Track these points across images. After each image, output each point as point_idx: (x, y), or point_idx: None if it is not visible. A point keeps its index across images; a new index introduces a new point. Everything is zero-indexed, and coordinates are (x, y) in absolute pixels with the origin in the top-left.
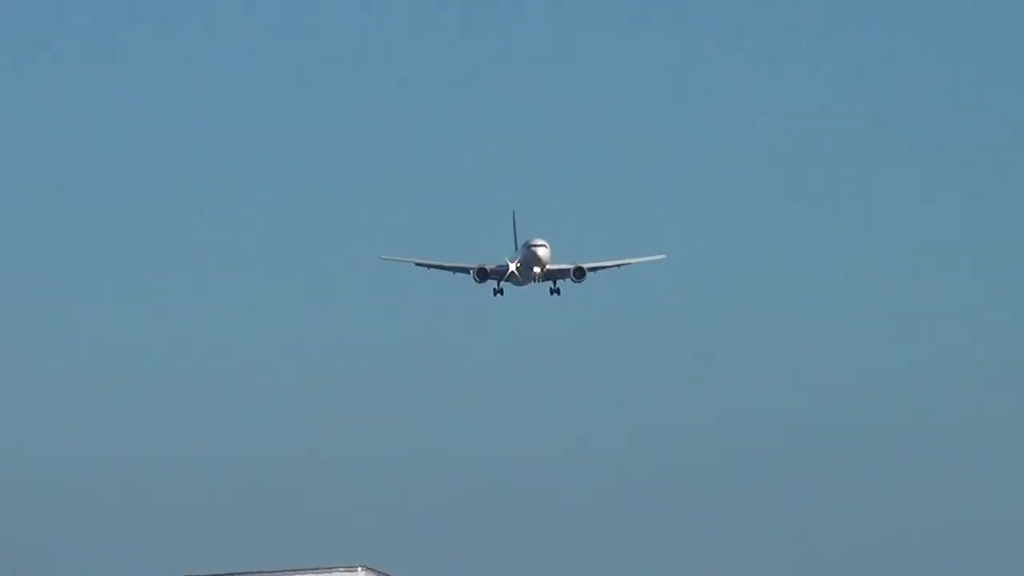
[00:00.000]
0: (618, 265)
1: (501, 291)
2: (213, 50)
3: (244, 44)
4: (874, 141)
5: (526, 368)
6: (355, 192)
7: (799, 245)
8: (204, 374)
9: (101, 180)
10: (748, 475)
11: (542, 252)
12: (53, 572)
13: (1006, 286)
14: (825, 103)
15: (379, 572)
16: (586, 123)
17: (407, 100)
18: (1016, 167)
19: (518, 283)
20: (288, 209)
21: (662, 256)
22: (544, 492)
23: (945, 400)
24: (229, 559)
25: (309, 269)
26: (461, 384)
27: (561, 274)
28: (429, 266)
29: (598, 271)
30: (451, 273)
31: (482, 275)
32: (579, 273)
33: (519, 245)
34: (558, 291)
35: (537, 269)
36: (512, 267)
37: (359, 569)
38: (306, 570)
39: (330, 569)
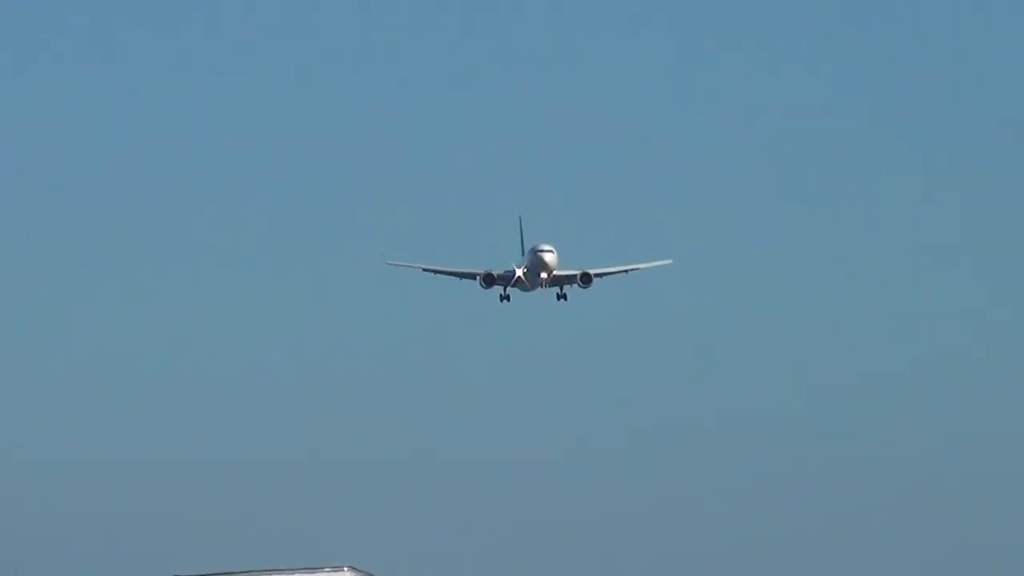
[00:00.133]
0: (625, 271)
1: (508, 297)
2: (213, 50)
3: (245, 44)
4: (879, 143)
5: (533, 373)
6: (362, 197)
7: (804, 248)
8: (207, 377)
9: (101, 180)
10: (755, 477)
11: (549, 258)
12: (39, 571)
13: (1006, 286)
14: (829, 104)
15: (365, 572)
16: (593, 127)
17: (414, 104)
18: (1016, 167)
19: (525, 289)
20: (294, 213)
21: (669, 261)
22: (550, 496)
23: (946, 400)
24: (226, 559)
25: (316, 273)
26: (467, 389)
27: (568, 280)
28: (436, 272)
29: (604, 277)
30: (458, 279)
31: (489, 281)
32: (586, 279)
33: (526, 251)
34: (565, 297)
35: (544, 275)
36: (519, 273)
37: (345, 569)
38: (292, 570)
39: (316, 569)
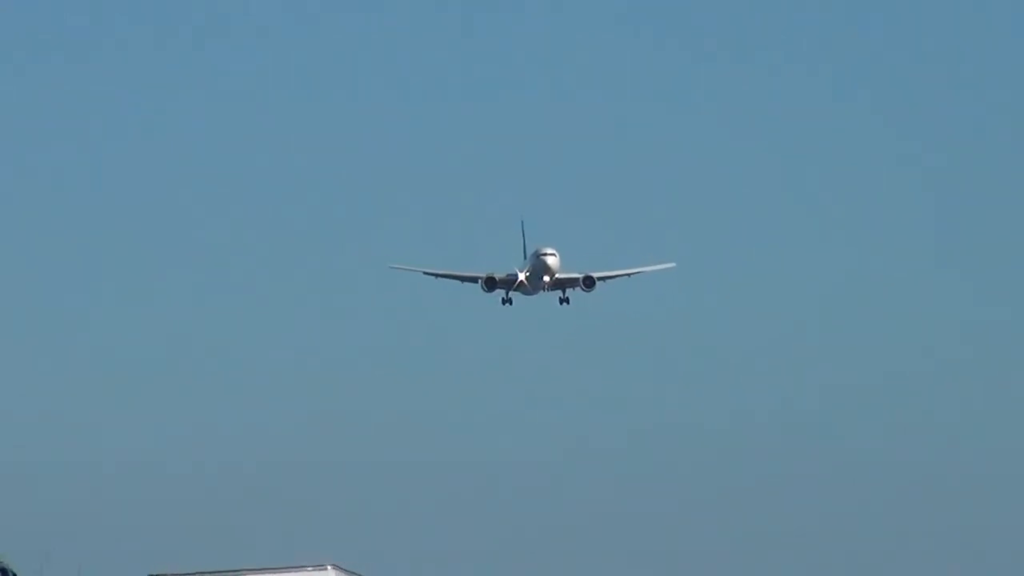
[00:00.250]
0: (628, 274)
1: (510, 300)
2: (213, 50)
3: (246, 45)
4: (886, 146)
5: (535, 377)
6: (363, 200)
7: (809, 251)
8: (206, 379)
9: (101, 180)
10: (760, 480)
11: (551, 261)
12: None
13: (1009, 287)
14: (834, 107)
15: (349, 571)
16: (595, 130)
17: (414, 106)
18: (1018, 167)
19: (527, 292)
20: (294, 216)
21: (672, 264)
22: (553, 499)
23: (950, 402)
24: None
25: (317, 277)
26: (469, 393)
27: (570, 283)
28: (437, 275)
29: (607, 280)
30: (459, 282)
31: (491, 284)
32: (588, 282)
33: (528, 254)
34: (567, 300)
35: (546, 278)
36: (521, 276)
37: (328, 568)
38: (274, 569)
39: (298, 568)
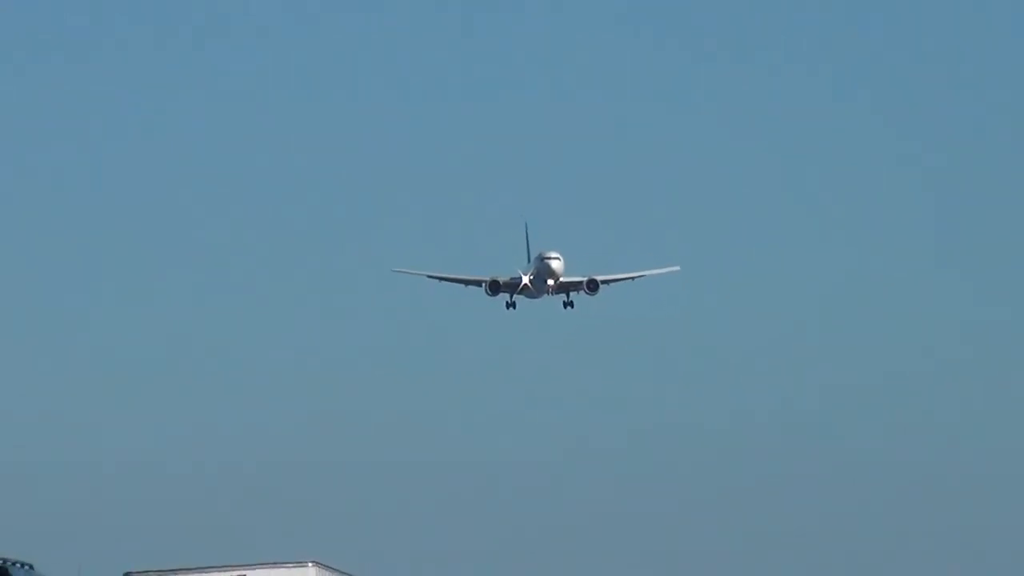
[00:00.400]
0: (632, 277)
1: (514, 304)
2: (212, 51)
3: (246, 46)
4: (890, 149)
5: (539, 381)
6: (366, 203)
7: (814, 255)
8: (208, 381)
9: (101, 180)
10: (765, 482)
11: (555, 264)
12: None
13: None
14: (839, 110)
15: (330, 568)
16: (599, 133)
17: (417, 109)
18: (1017, 167)
19: (531, 296)
20: (297, 220)
21: (677, 268)
22: (558, 502)
23: (953, 403)
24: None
25: (320, 280)
26: (473, 397)
27: (574, 287)
28: (441, 279)
29: (612, 283)
30: (463, 286)
31: (495, 288)
32: (592, 286)
33: (532, 257)
34: (571, 304)
35: (550, 282)
36: (525, 280)
37: (309, 565)
38: (254, 565)
39: (279, 565)
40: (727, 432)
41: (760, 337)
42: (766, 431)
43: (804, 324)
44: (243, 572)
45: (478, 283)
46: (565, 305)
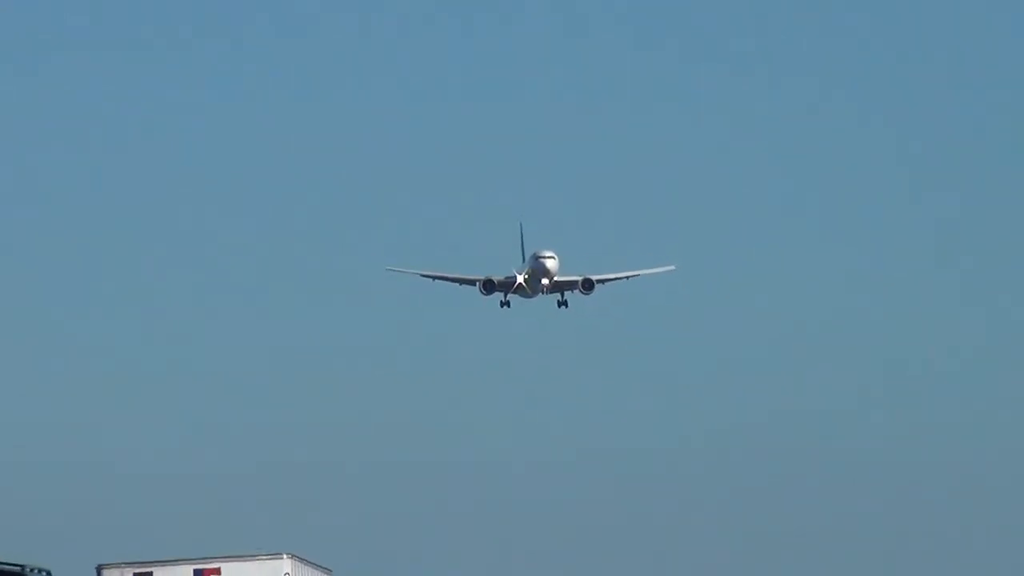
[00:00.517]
0: (627, 277)
1: (508, 303)
2: (213, 51)
3: (244, 45)
4: (885, 148)
5: (533, 380)
6: (360, 201)
7: (810, 254)
8: (199, 380)
9: (100, 180)
10: (760, 483)
11: (550, 264)
12: None
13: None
14: (834, 110)
15: (306, 560)
16: (595, 131)
17: (412, 106)
18: (1017, 167)
19: (525, 295)
20: (290, 217)
21: (672, 267)
22: (549, 502)
23: (955, 404)
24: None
25: (312, 279)
26: (466, 396)
27: (569, 286)
28: (434, 277)
29: (607, 283)
30: (457, 285)
31: (489, 287)
32: (587, 285)
33: (526, 256)
34: (566, 303)
35: (545, 281)
36: (520, 279)
37: (284, 557)
38: (229, 558)
39: (254, 557)
40: (724, 431)
41: (756, 336)
42: (764, 430)
43: (801, 323)
44: (218, 564)
45: (472, 282)
46: (560, 304)
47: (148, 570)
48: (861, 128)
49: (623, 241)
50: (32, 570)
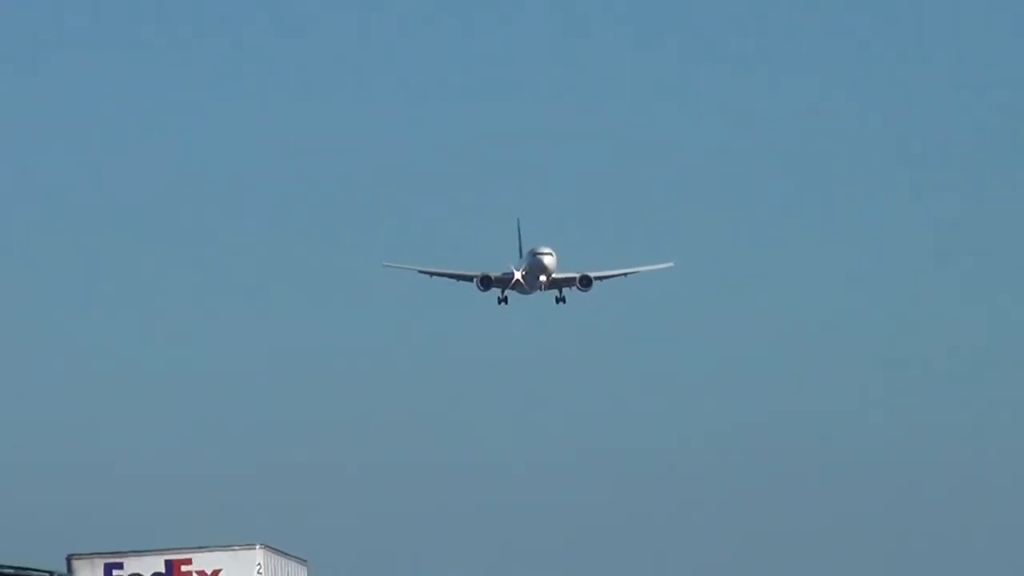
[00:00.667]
0: (625, 273)
1: (505, 299)
2: (213, 51)
3: (244, 44)
4: (884, 146)
5: (531, 377)
6: (357, 198)
7: (808, 251)
8: (197, 378)
9: (100, 180)
10: (759, 482)
11: (548, 260)
12: None
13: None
14: (834, 108)
15: (278, 551)
16: (593, 128)
17: (410, 104)
18: (1017, 167)
19: (523, 292)
20: (288, 214)
21: (670, 264)
22: (547, 500)
23: (956, 405)
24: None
25: (310, 275)
26: (464, 392)
27: (567, 282)
28: (432, 274)
29: (604, 279)
30: (454, 281)
31: (486, 283)
32: (585, 281)
33: (524, 253)
34: (564, 300)
35: (543, 277)
36: (517, 275)
37: (257, 547)
38: (202, 548)
39: (227, 547)
40: (721, 430)
41: (756, 335)
42: (762, 429)
43: (799, 321)
44: (189, 555)
45: (469, 278)
46: (557, 301)
47: (119, 560)
48: (861, 128)
49: (622, 238)
50: (43, 573)
